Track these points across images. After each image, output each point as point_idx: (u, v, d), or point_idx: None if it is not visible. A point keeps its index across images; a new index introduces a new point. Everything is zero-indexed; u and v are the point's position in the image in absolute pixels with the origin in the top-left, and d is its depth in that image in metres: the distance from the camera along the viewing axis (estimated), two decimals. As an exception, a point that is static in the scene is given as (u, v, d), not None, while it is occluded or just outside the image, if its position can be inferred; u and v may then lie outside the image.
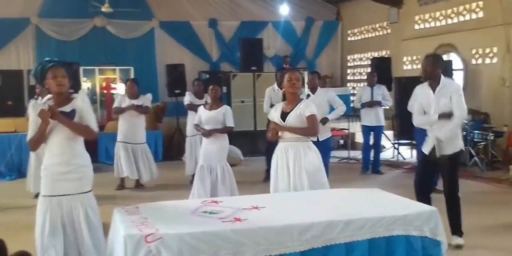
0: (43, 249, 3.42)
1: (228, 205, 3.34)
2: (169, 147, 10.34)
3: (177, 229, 2.81)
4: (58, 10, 11.83)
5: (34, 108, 3.52)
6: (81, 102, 3.56)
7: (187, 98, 7.88)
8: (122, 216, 3.09)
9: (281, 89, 7.94)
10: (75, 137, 3.52)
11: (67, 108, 3.52)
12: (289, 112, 4.19)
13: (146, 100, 7.46)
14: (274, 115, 4.28)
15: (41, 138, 3.47)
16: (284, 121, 4.19)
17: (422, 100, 4.65)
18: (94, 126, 3.58)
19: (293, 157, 4.12)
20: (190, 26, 13.03)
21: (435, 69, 4.53)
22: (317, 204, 3.39)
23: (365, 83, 9.31)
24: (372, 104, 8.36)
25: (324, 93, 6.98)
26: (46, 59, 3.62)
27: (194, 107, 7.28)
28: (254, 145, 10.50)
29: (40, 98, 6.59)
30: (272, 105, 8.01)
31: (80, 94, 3.66)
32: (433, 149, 4.54)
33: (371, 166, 8.56)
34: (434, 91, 4.55)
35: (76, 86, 7.97)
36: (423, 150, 4.68)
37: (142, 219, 3.00)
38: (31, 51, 11.80)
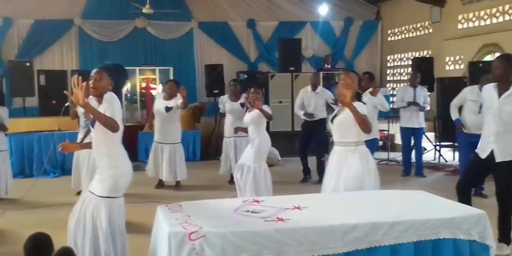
0: (69, 236, 3.52)
1: (269, 205, 3.32)
2: (207, 146, 10.42)
3: (220, 227, 2.82)
4: (100, 11, 12.08)
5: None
6: (104, 103, 3.51)
7: (221, 106, 7.95)
8: (165, 213, 3.11)
9: (313, 90, 7.98)
10: (106, 137, 3.51)
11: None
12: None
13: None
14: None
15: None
16: (332, 122, 4.12)
17: (486, 100, 4.39)
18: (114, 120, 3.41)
19: (336, 161, 4.07)
20: (228, 27, 13.09)
21: (506, 72, 4.16)
22: (361, 205, 3.33)
23: (406, 83, 9.12)
24: (415, 104, 8.16)
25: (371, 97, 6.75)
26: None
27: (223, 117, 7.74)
28: (291, 145, 10.42)
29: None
30: (303, 108, 8.03)
31: (107, 95, 3.56)
32: (491, 153, 4.30)
33: (414, 168, 8.38)
34: (500, 95, 4.21)
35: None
36: (479, 154, 4.42)
37: (186, 217, 3.01)
38: (74, 51, 12.08)
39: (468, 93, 6.56)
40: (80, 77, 3.40)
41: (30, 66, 9.98)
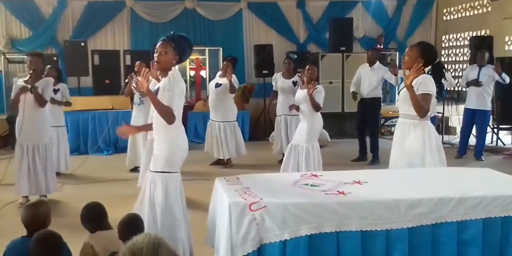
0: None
1: (328, 179, 3.25)
2: (256, 127, 10.40)
3: (280, 198, 2.77)
4: (151, -8, 12.16)
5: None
6: (166, 80, 3.47)
7: (274, 83, 7.92)
8: (224, 185, 3.09)
9: (370, 66, 7.82)
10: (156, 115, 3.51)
11: (159, 85, 3.55)
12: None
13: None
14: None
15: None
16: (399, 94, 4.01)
17: None
18: (170, 108, 3.41)
19: (399, 134, 3.95)
20: (277, 7, 12.90)
21: None
22: (425, 181, 3.21)
23: (468, 64, 8.79)
24: (475, 84, 7.85)
25: None
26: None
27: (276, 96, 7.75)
28: (341, 127, 10.31)
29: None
30: (358, 86, 7.91)
31: (171, 72, 3.52)
32: None
33: (471, 151, 8.10)
34: None
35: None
36: None
37: (245, 188, 2.98)
38: (126, 32, 12.22)
39: None
40: (146, 69, 3.42)
41: (84, 46, 10.19)
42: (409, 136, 3.88)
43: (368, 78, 7.78)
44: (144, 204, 3.54)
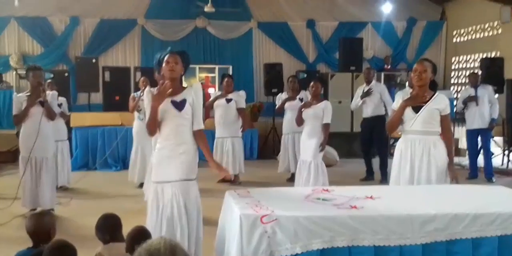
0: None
1: (340, 194, 3.20)
2: (264, 146, 10.37)
3: (292, 211, 2.73)
4: (163, 11, 12.34)
5: (147, 95, 3.62)
6: (194, 94, 3.61)
7: (278, 103, 7.91)
8: (234, 197, 3.05)
9: (367, 85, 7.82)
10: (184, 124, 3.57)
11: (178, 98, 3.58)
12: (422, 105, 3.90)
13: (238, 96, 7.50)
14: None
15: (153, 122, 3.53)
16: (416, 113, 3.92)
17: None
18: (201, 122, 3.65)
19: (421, 150, 3.87)
20: (287, 27, 13.04)
21: None
22: (439, 197, 3.16)
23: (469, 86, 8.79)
24: (471, 100, 7.83)
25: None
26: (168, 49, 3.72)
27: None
28: (350, 146, 10.24)
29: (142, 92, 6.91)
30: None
31: (195, 86, 3.70)
32: None
33: (481, 173, 8.01)
34: None
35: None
36: None
37: (255, 201, 2.94)
38: (137, 50, 12.39)
39: None
40: (166, 82, 3.53)
41: (95, 63, 10.28)
42: (434, 151, 3.85)
43: (368, 97, 7.76)
44: (175, 213, 3.51)
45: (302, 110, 6.16)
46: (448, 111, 3.91)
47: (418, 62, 4.01)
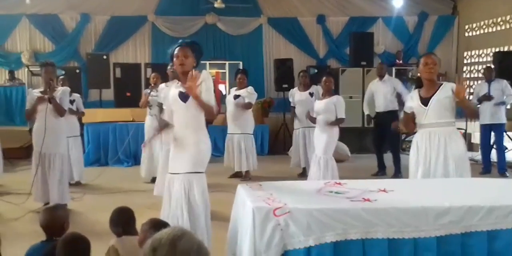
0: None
1: (353, 187, 3.18)
2: (275, 141, 10.36)
3: (305, 204, 2.71)
4: (173, 8, 12.33)
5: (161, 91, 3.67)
6: (201, 80, 3.53)
7: (291, 99, 7.89)
8: (247, 191, 3.04)
9: (380, 80, 7.78)
10: (198, 114, 3.55)
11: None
12: (430, 97, 3.90)
13: (246, 92, 7.49)
14: (413, 104, 4.02)
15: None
16: (426, 106, 3.92)
17: None
18: (214, 106, 3.61)
19: (437, 143, 3.85)
20: (298, 22, 12.98)
21: None
22: (453, 190, 3.13)
23: (483, 80, 8.72)
24: (486, 99, 7.77)
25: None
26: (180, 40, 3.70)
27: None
28: (361, 142, 10.20)
29: (154, 88, 6.93)
30: (373, 102, 7.85)
31: (203, 73, 3.65)
32: None
33: (495, 168, 7.95)
34: None
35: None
36: None
37: (268, 194, 2.93)
38: (147, 46, 12.41)
39: None
40: (195, 72, 3.50)
41: (106, 59, 10.32)
42: (451, 143, 3.84)
43: (381, 91, 7.73)
44: (178, 205, 3.54)
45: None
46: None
47: (427, 55, 4.02)
